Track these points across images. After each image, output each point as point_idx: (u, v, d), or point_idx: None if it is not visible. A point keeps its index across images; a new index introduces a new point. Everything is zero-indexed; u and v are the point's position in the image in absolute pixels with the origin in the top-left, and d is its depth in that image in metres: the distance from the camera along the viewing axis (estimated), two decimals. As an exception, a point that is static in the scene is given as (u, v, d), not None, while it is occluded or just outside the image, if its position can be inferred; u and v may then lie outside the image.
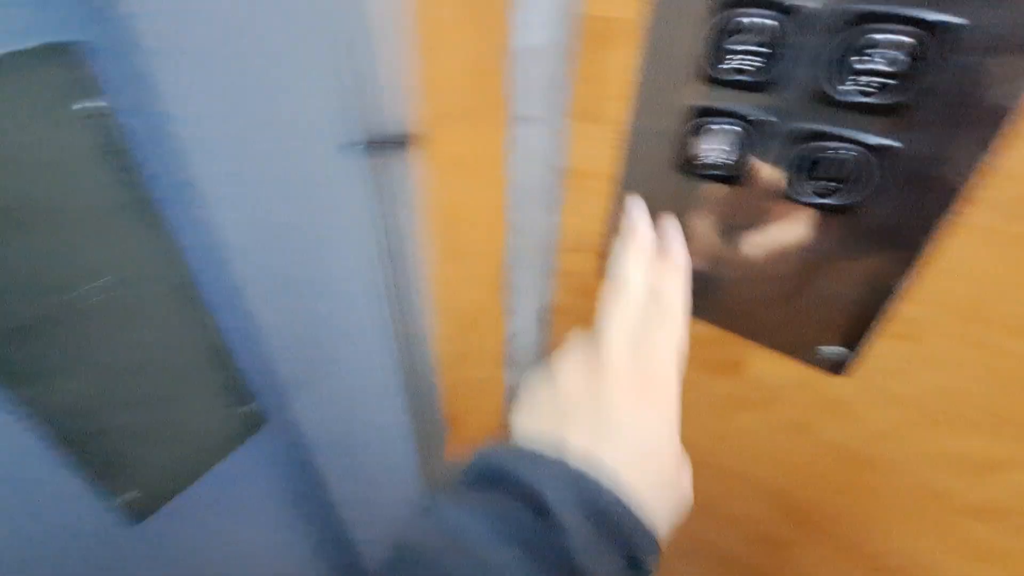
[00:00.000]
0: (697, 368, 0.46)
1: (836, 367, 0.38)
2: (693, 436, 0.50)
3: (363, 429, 0.61)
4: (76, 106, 0.29)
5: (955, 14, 0.25)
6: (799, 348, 0.39)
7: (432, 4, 0.41)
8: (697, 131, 0.35)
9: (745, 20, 0.30)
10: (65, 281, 0.32)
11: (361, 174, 0.45)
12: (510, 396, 0.61)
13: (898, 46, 0.26)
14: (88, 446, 0.37)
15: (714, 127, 0.34)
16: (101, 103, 0.30)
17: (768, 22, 0.29)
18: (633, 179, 0.40)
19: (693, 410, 0.48)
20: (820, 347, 0.38)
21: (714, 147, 0.34)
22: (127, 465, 0.40)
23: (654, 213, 0.38)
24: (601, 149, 0.40)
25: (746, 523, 0.52)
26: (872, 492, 0.42)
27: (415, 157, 0.46)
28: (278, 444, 0.53)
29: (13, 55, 0.25)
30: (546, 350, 0.56)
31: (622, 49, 0.35)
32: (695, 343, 0.44)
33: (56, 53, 0.27)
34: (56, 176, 0.29)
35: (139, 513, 0.43)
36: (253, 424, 0.51)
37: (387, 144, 0.42)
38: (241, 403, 0.49)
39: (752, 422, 0.45)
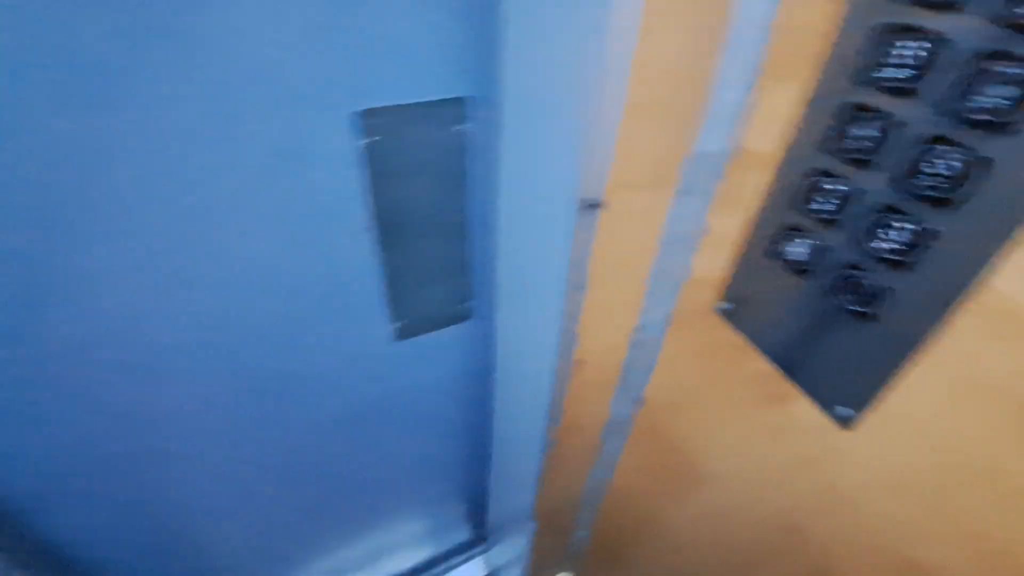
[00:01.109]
0: (760, 397, 0.63)
1: (845, 423, 0.53)
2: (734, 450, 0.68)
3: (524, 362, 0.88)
4: (453, 128, 0.52)
5: None
6: (825, 401, 0.55)
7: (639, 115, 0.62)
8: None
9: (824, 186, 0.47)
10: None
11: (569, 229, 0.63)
12: (624, 375, 0.84)
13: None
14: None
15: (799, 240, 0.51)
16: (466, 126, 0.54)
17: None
18: (756, 241, 0.58)
19: (749, 429, 0.66)
20: (837, 406, 0.54)
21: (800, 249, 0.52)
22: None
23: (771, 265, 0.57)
24: (731, 222, 0.59)
25: (752, 530, 0.68)
26: (838, 528, 0.56)
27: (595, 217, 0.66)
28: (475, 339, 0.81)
29: (429, 104, 0.50)
30: (662, 345, 0.76)
31: (757, 172, 0.54)
32: (759, 376, 0.62)
33: (452, 103, 0.51)
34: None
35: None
36: (464, 315, 0.76)
37: (589, 206, 0.65)
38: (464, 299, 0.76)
39: (777, 446, 0.62)
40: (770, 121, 0.50)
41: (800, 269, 0.52)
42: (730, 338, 0.64)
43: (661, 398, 0.82)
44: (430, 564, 1.11)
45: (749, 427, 0.66)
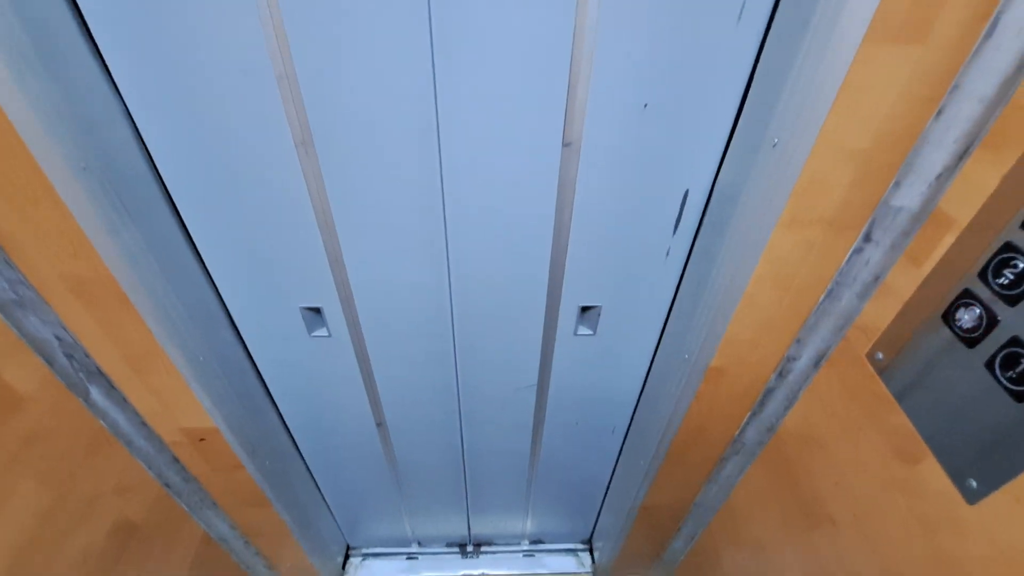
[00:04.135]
0: (893, 452, 0.64)
1: (971, 497, 0.53)
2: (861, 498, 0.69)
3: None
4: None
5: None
6: (957, 471, 0.55)
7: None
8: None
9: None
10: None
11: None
12: (762, 398, 0.87)
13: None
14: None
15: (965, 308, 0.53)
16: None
17: None
18: (918, 303, 0.60)
19: (875, 482, 0.67)
20: (969, 478, 0.54)
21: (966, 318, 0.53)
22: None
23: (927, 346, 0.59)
24: (906, 277, 0.61)
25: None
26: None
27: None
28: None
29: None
30: (807, 381, 0.79)
31: (946, 233, 0.55)
32: (896, 432, 0.63)
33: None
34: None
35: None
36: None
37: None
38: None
39: (899, 505, 0.62)
40: (972, 188, 0.52)
41: (966, 336, 0.53)
42: (876, 388, 0.65)
43: (794, 429, 0.85)
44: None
45: (877, 480, 0.68)
